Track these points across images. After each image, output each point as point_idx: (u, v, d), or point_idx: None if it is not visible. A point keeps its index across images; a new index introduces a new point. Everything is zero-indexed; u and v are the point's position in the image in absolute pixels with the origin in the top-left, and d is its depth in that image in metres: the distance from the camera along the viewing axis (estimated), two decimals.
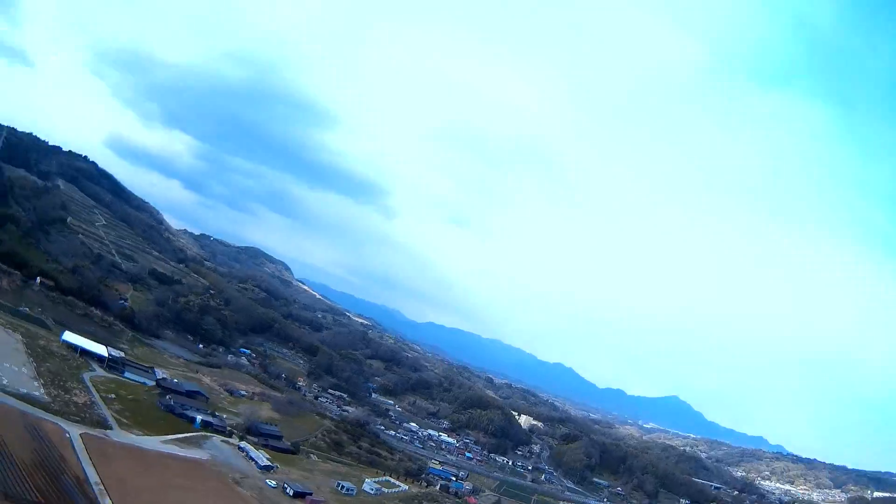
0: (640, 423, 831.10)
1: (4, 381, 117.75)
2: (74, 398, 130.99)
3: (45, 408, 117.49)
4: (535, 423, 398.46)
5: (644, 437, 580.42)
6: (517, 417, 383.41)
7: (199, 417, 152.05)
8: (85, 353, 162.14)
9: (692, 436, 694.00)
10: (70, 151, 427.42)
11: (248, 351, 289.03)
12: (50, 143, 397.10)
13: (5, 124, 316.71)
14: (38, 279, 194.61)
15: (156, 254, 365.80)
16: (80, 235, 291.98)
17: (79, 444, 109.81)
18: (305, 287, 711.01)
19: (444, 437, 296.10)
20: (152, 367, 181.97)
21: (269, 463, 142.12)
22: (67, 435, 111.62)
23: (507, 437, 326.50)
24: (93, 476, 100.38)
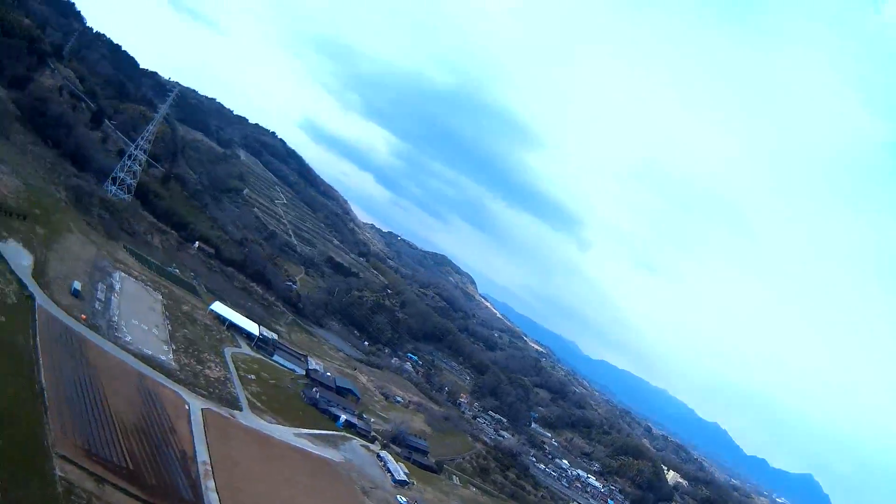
0: (774, 496, 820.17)
1: (128, 339, 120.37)
2: (207, 371, 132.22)
3: (168, 374, 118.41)
4: (680, 480, 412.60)
5: None
6: (666, 472, 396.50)
7: (343, 417, 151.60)
8: (233, 327, 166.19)
9: None
10: (256, 125, 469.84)
11: (416, 357, 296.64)
12: (235, 113, 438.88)
13: (189, 87, 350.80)
14: (197, 244, 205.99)
15: (336, 242, 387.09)
16: (256, 209, 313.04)
17: (197, 419, 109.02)
18: (487, 303, 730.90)
19: (591, 479, 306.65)
20: (306, 356, 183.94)
21: (405, 478, 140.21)
22: (187, 407, 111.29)
23: (651, 491, 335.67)
24: (202, 454, 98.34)
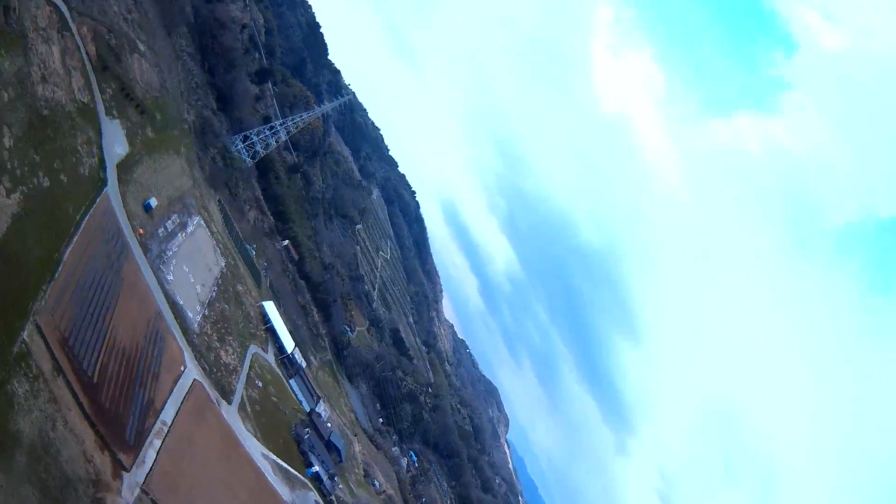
0: None
1: (169, 278, 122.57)
2: (222, 352, 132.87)
3: (185, 331, 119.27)
4: None
5: None
6: None
7: (315, 468, 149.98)
8: (271, 332, 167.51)
9: None
10: (403, 176, 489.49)
11: (416, 460, 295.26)
12: (390, 153, 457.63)
13: (362, 103, 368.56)
14: (287, 242, 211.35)
15: (411, 320, 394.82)
16: (359, 248, 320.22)
17: (184, 384, 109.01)
18: (507, 450, 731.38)
19: None
20: (320, 399, 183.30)
21: None
22: (183, 368, 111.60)
23: None
24: (168, 415, 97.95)
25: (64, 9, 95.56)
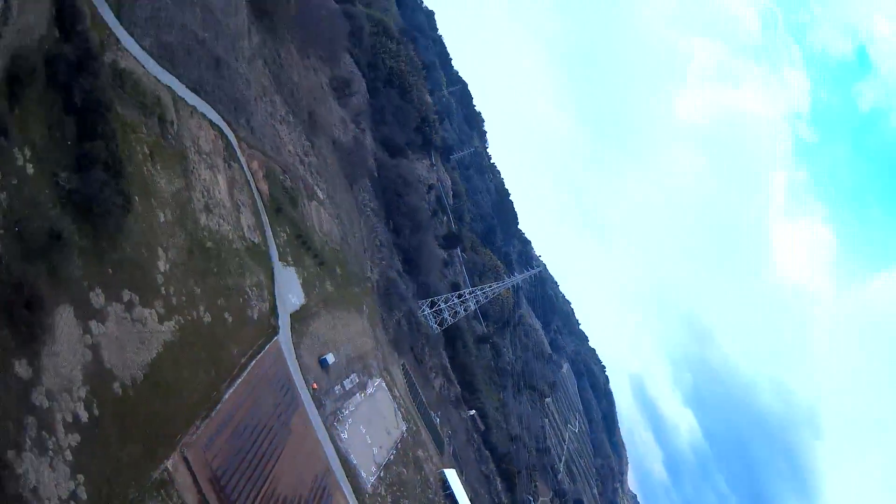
0: None
1: (343, 436, 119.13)
2: None
3: (357, 491, 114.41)
4: None
5: None
6: None
7: None
8: (451, 498, 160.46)
9: None
10: (594, 350, 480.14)
11: None
12: (580, 326, 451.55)
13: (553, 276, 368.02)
14: (473, 412, 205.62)
15: (594, 491, 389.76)
16: (547, 420, 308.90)
17: None
18: None
19: None
20: None
21: None
22: None
23: None
24: None
25: (231, 137, 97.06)
